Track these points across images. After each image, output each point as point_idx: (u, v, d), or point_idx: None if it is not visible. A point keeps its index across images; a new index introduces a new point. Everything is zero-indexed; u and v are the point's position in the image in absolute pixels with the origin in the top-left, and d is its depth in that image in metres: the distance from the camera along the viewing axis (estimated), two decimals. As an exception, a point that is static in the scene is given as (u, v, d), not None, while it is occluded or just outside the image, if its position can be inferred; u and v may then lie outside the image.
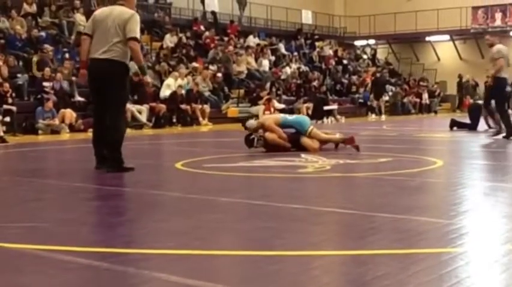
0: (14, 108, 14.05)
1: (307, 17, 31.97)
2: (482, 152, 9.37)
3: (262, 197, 4.95)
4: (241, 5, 28.07)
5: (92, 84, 6.82)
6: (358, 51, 33.06)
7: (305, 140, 8.82)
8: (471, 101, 19.44)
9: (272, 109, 19.58)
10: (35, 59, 16.52)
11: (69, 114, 15.09)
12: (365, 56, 32.29)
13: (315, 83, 23.71)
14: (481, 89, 29.03)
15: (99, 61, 6.59)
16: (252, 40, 25.66)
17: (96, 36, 6.69)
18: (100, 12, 6.90)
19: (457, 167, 7.25)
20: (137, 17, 6.72)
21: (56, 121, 14.67)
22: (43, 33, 18.11)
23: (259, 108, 19.52)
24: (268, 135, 8.85)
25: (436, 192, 5.39)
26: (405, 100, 26.97)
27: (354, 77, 27.18)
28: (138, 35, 6.55)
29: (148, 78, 7.51)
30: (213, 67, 20.92)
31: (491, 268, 2.90)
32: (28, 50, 17.04)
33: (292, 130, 9.09)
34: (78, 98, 16.25)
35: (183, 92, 17.89)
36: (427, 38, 33.13)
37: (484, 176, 6.40)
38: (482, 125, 13.71)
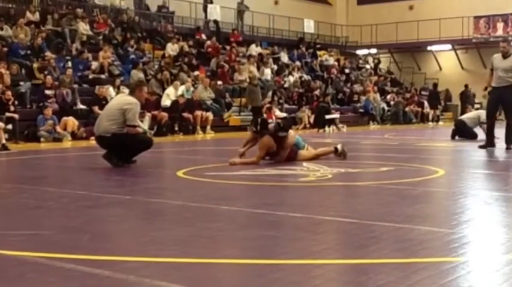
0: (16, 116, 14.07)
1: (309, 26, 32.01)
2: (483, 161, 9.36)
3: (263, 205, 4.95)
4: (240, 13, 28.16)
5: None
6: (361, 61, 33.09)
7: (302, 153, 8.72)
8: (472, 110, 19.36)
9: (273, 117, 19.60)
10: (35, 65, 16.58)
11: (71, 122, 15.12)
12: (367, 66, 32.31)
13: (317, 92, 23.74)
14: (480, 99, 29.08)
15: None
16: (254, 49, 25.71)
17: None
18: None
19: (459, 177, 7.25)
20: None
21: (58, 129, 14.69)
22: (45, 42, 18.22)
23: (261, 117, 19.56)
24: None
25: (437, 201, 5.38)
26: (407, 109, 26.98)
27: (356, 86, 27.18)
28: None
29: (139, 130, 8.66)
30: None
31: (492, 277, 2.89)
32: (31, 58, 17.10)
33: None
34: (80, 106, 16.27)
35: (185, 99, 17.94)
36: (429, 48, 33.16)
37: (485, 186, 6.39)
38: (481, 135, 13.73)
